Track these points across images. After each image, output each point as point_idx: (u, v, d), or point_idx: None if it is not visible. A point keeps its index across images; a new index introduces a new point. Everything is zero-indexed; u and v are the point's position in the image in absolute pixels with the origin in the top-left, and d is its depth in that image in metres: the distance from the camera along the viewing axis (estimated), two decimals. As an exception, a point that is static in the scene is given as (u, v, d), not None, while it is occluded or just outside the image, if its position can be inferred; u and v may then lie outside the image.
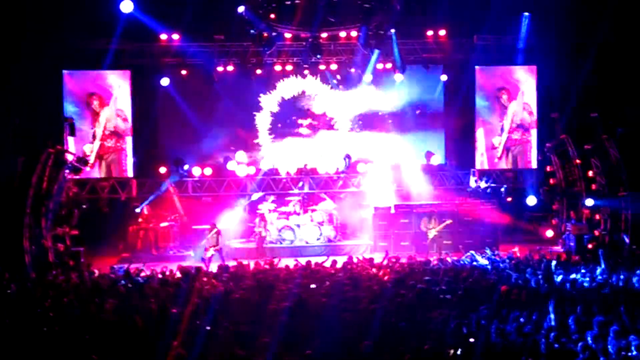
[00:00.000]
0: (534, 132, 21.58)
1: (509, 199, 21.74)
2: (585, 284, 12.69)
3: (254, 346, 8.83)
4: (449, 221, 19.46)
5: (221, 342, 9.11)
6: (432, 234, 19.07)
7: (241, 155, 21.46)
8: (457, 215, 20.29)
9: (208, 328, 9.84)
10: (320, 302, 11.05)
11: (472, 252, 17.02)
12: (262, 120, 22.28)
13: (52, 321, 10.25)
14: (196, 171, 21.26)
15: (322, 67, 21.77)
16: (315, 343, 8.67)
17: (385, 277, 13.39)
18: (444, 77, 22.00)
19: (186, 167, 20.65)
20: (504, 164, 21.68)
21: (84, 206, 19.17)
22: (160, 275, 14.33)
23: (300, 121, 22.40)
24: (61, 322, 10.15)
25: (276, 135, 22.30)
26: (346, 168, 21.51)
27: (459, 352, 8.79)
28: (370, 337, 9.02)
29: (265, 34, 19.83)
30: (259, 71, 21.44)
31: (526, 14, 20.48)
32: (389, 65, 21.84)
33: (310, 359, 8.36)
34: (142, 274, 14.47)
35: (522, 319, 10.08)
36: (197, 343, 9.09)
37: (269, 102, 22.26)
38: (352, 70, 21.82)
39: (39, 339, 9.46)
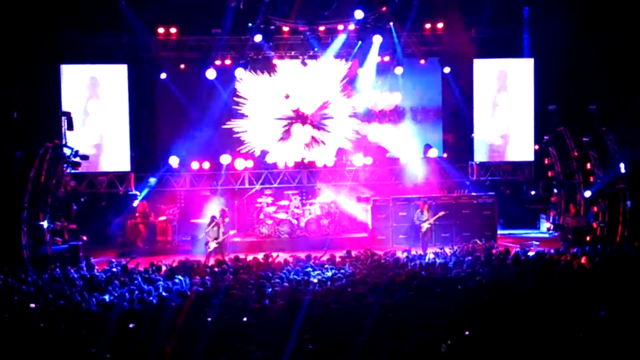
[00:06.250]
0: (531, 125, 21.63)
1: (507, 192, 21.79)
2: None
3: (253, 340, 8.83)
4: (441, 213, 19.07)
5: (220, 337, 9.11)
6: (425, 226, 18.76)
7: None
8: (455, 207, 20.28)
9: (209, 319, 9.87)
10: (318, 296, 11.08)
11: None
12: (260, 114, 22.22)
13: (50, 316, 10.26)
14: (194, 165, 21.25)
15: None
16: (315, 337, 8.68)
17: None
18: (447, 69, 21.93)
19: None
20: (502, 157, 21.73)
21: (82, 199, 19.17)
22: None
23: (298, 113, 22.34)
24: (58, 317, 10.15)
25: (274, 128, 22.25)
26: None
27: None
28: (367, 330, 9.04)
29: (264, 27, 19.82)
30: (257, 64, 21.40)
31: (526, 7, 20.50)
32: (387, 58, 21.84)
33: (312, 353, 8.36)
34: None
35: None
36: (197, 337, 9.10)
37: (266, 96, 22.19)
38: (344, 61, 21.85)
39: (36, 334, 9.46)
